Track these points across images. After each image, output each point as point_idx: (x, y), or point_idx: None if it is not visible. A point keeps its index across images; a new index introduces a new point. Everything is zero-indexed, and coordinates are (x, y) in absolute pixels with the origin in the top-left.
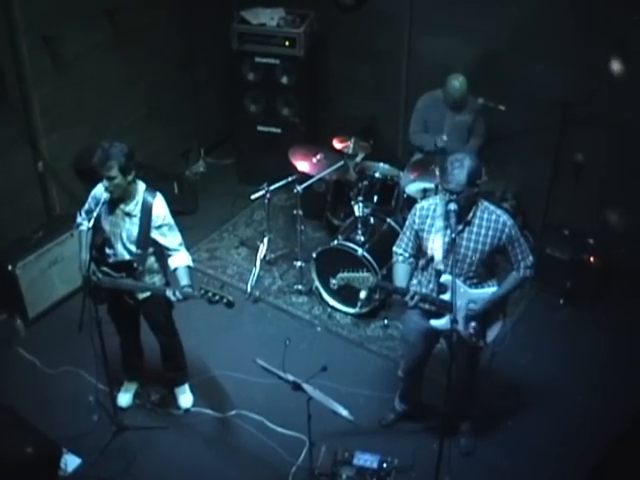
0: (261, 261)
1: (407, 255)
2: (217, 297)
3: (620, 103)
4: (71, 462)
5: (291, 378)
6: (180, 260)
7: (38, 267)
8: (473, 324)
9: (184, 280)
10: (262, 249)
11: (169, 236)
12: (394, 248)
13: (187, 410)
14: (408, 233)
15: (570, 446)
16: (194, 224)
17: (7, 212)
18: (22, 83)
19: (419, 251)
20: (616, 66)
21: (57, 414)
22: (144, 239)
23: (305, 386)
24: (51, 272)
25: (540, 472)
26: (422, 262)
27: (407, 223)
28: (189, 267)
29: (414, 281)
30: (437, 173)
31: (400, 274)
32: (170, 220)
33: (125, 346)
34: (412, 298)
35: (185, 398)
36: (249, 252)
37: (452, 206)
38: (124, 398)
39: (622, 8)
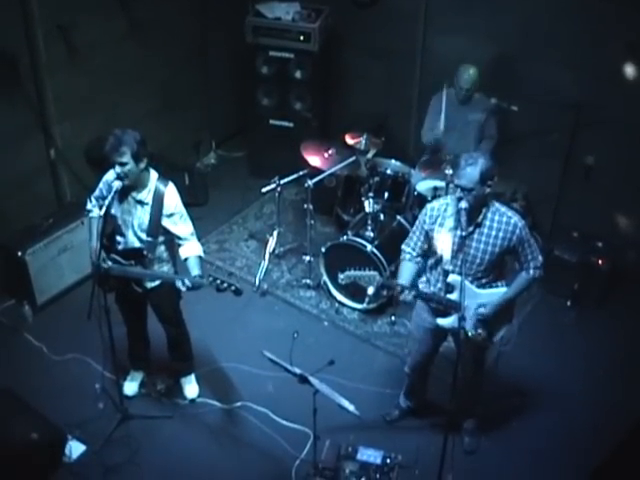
0: (270, 254)
1: (414, 254)
2: (225, 285)
3: (632, 106)
4: (76, 449)
5: (298, 371)
6: (191, 250)
7: (48, 254)
8: (480, 330)
9: (195, 270)
10: (271, 242)
11: (180, 225)
12: (402, 246)
13: (192, 400)
14: (418, 232)
15: (574, 447)
16: (204, 216)
17: (18, 198)
18: (36, 71)
19: (428, 250)
20: (629, 69)
21: (63, 401)
22: (155, 227)
23: (312, 379)
24: (60, 259)
25: (543, 472)
26: (431, 261)
27: (417, 222)
28: (200, 257)
29: (423, 279)
30: (448, 172)
31: (404, 271)
32: (182, 209)
33: (132, 335)
34: (402, 292)
35: (191, 388)
36: (258, 245)
37: (463, 204)
38: (130, 387)
39: (635, 11)
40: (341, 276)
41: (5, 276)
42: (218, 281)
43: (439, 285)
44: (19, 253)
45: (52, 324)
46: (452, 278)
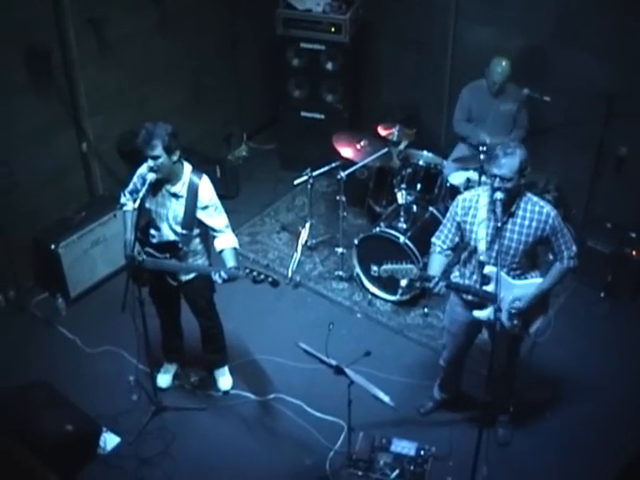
0: (302, 246)
1: (445, 247)
2: (262, 276)
3: None
4: (110, 441)
5: (334, 362)
6: (226, 242)
7: (80, 247)
8: (516, 321)
9: (230, 262)
10: (303, 234)
11: (215, 217)
12: (433, 239)
13: (226, 392)
14: (449, 225)
15: (607, 439)
16: (236, 208)
17: (51, 192)
18: (68, 64)
19: (461, 242)
20: None
21: (97, 393)
22: (190, 220)
23: (347, 371)
24: (93, 252)
25: (576, 464)
26: (465, 254)
27: (448, 215)
28: (235, 249)
29: (456, 273)
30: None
31: (434, 263)
32: (216, 201)
33: (165, 328)
34: (437, 284)
35: (224, 380)
36: (290, 237)
37: (499, 195)
38: (164, 379)
39: None
40: (376, 269)
41: (38, 269)
42: (255, 272)
43: (474, 277)
44: (52, 246)
45: (85, 317)
46: (489, 269)
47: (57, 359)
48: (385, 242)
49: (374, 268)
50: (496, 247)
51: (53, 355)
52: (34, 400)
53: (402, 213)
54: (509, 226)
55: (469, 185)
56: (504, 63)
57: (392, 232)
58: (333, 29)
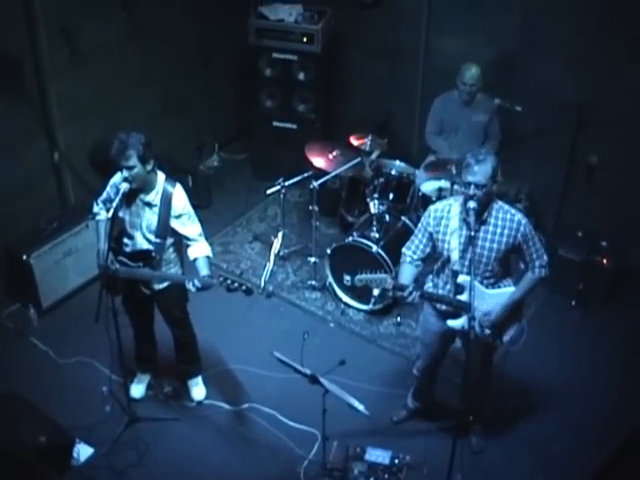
0: (275, 256)
1: (415, 257)
2: (236, 284)
3: (634, 105)
4: (84, 452)
5: (309, 372)
6: (200, 250)
7: (52, 257)
8: (487, 331)
9: (204, 270)
10: (276, 244)
11: (189, 226)
12: (403, 249)
13: (200, 402)
14: (420, 236)
15: (579, 447)
16: (208, 218)
17: (22, 202)
18: (40, 74)
19: (433, 253)
20: (630, 68)
21: (70, 404)
22: (163, 228)
23: (322, 380)
24: (65, 263)
25: (549, 472)
26: (438, 265)
27: (420, 225)
28: (208, 257)
29: (429, 284)
30: (454, 171)
31: (405, 273)
32: (190, 210)
33: (138, 338)
34: (410, 294)
35: (198, 390)
36: (262, 247)
37: (472, 204)
38: (137, 389)
39: (635, 9)
40: (349, 278)
41: (10, 280)
42: (229, 281)
43: (448, 287)
44: (24, 257)
45: (58, 327)
46: (462, 279)
47: (30, 370)
48: (358, 251)
49: (347, 278)
50: (469, 256)
51: (25, 366)
52: (6, 412)
53: (375, 223)
54: (481, 234)
55: (441, 194)
56: (474, 69)
57: (365, 241)
58: (305, 39)
